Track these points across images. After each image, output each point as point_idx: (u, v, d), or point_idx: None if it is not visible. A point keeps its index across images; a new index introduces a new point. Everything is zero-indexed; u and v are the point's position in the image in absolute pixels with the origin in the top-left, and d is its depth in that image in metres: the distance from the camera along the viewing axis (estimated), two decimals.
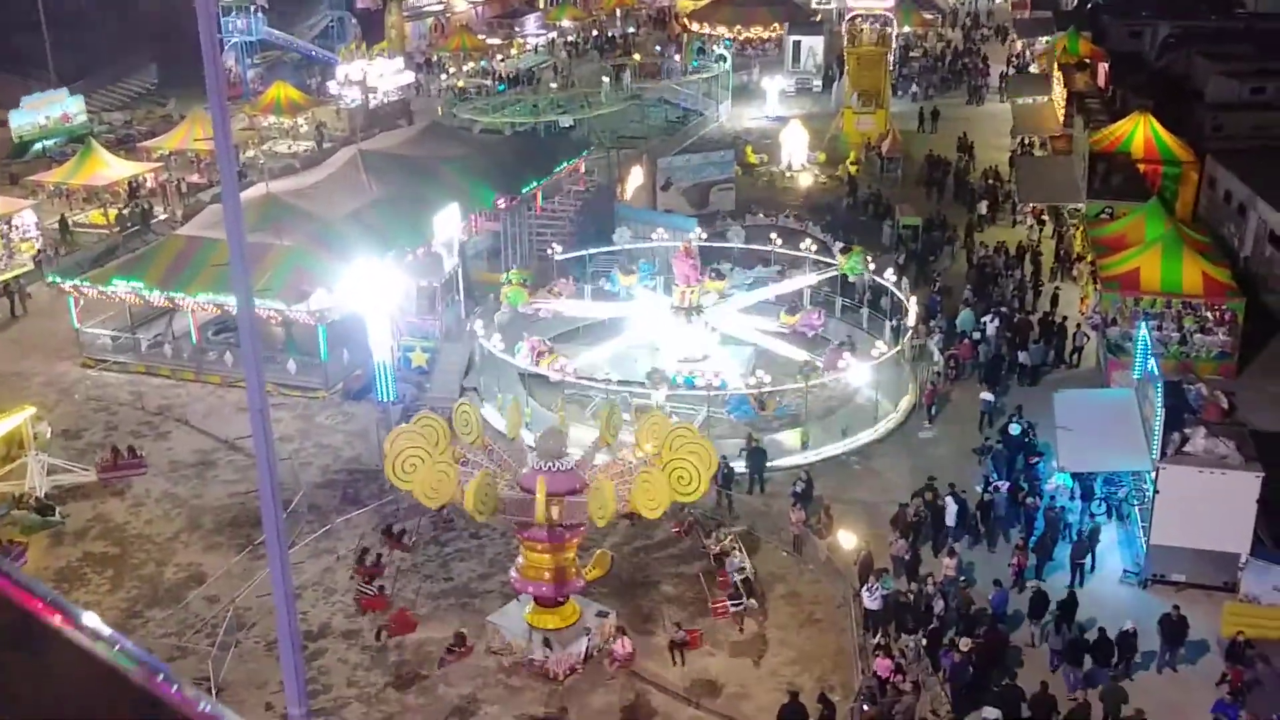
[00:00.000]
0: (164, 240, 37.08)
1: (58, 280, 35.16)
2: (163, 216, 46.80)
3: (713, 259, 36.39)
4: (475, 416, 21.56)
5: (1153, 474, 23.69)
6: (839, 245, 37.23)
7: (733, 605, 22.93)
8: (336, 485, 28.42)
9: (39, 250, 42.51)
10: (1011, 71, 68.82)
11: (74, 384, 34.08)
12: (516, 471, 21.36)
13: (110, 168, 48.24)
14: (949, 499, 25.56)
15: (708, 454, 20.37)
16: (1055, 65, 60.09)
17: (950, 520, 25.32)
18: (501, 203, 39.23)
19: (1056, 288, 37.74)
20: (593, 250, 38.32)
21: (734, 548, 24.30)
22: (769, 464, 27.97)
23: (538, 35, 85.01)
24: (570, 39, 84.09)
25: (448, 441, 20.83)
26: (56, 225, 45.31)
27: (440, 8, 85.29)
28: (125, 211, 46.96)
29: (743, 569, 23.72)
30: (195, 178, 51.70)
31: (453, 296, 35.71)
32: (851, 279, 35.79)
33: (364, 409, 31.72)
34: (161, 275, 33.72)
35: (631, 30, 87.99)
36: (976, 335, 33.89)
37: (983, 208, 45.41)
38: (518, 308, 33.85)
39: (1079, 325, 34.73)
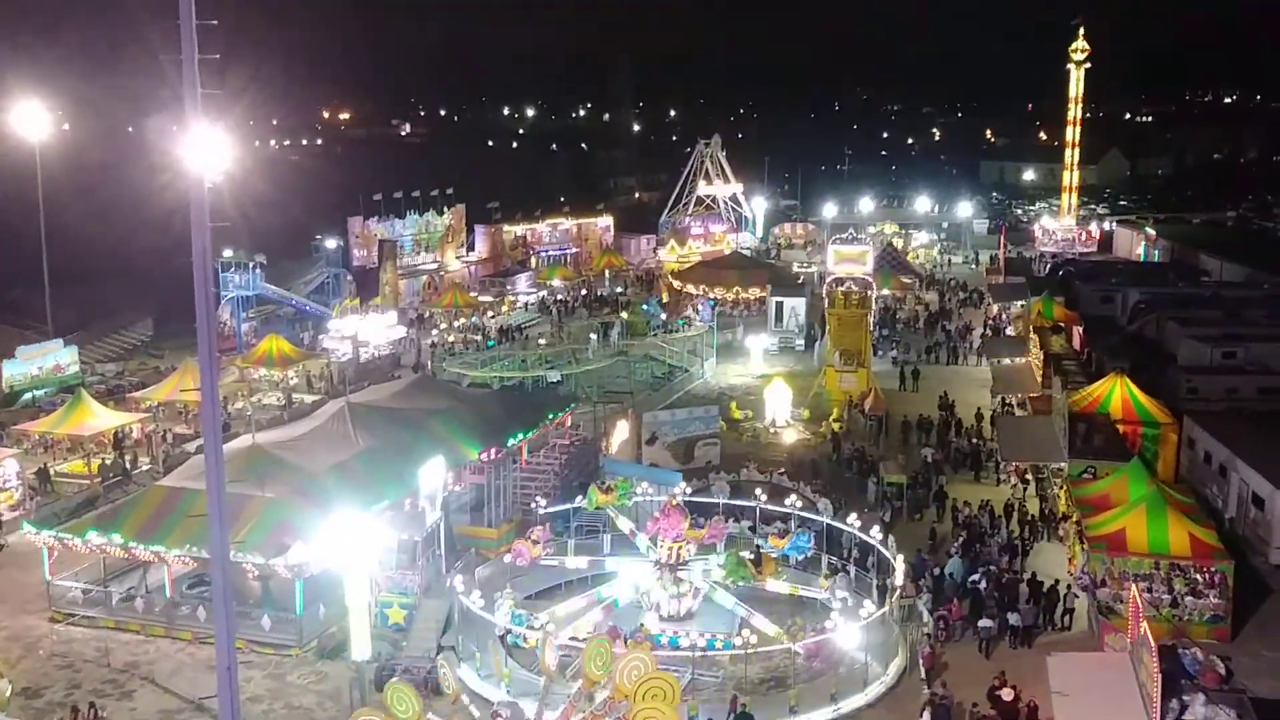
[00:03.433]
0: (144, 491, 36.77)
1: (33, 530, 34.66)
2: (146, 467, 46.66)
3: (700, 512, 36.36)
4: (410, 695, 20.05)
5: None
6: (824, 502, 37.16)
7: None
8: None
9: (17, 500, 42.16)
10: (988, 334, 70.67)
11: (39, 639, 32.99)
12: None
13: (97, 418, 48.39)
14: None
15: (672, 689, 19.25)
16: (1031, 328, 61.80)
17: None
18: (486, 455, 39.27)
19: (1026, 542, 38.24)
20: (576, 504, 38.13)
21: None
22: None
23: (529, 293, 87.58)
24: (560, 297, 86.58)
25: None
26: (35, 475, 45.04)
27: (435, 266, 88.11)
28: (108, 461, 46.84)
29: None
30: (182, 428, 51.89)
31: (434, 551, 35.21)
32: (733, 582, 32.51)
33: (338, 668, 30.70)
34: (139, 527, 33.23)
35: (619, 290, 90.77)
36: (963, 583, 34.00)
37: (927, 454, 46.86)
38: (590, 508, 35.65)
39: (1069, 586, 34.29)
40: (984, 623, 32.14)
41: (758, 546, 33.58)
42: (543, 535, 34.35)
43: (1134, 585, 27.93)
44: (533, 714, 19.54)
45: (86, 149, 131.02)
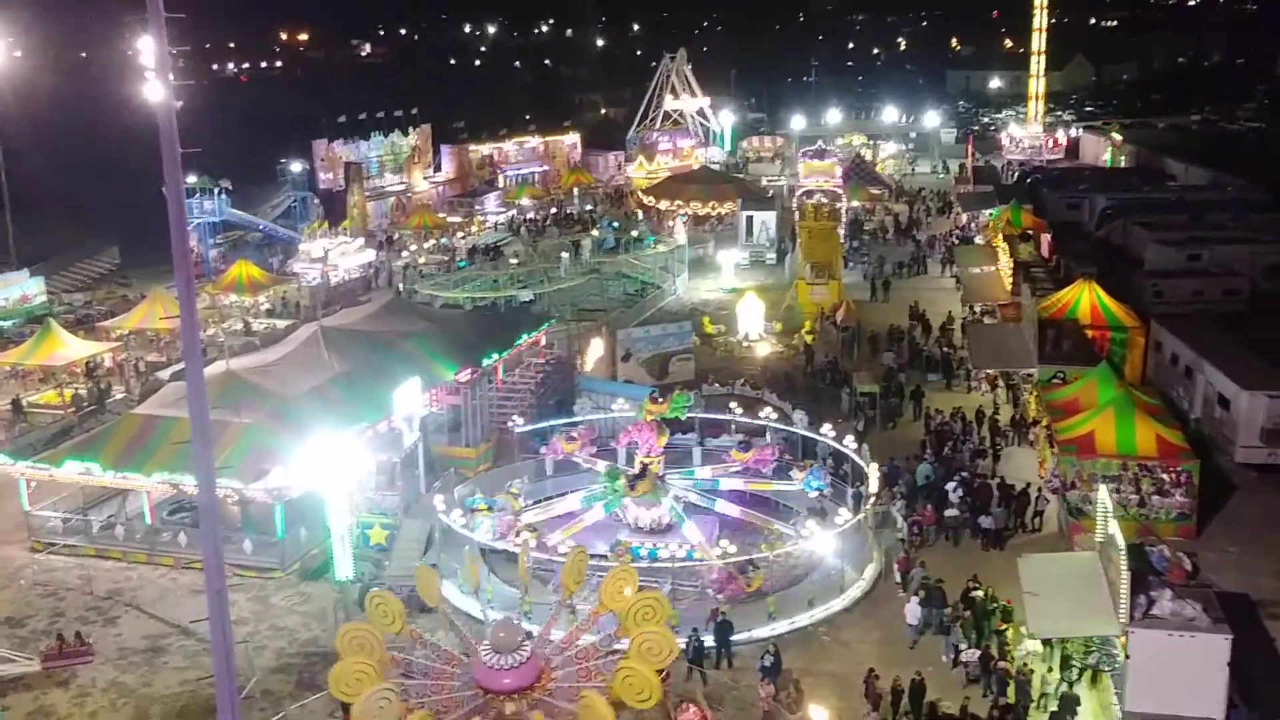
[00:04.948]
0: (120, 419, 36.71)
1: (9, 461, 34.59)
2: (120, 395, 46.47)
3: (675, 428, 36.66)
4: (394, 607, 19.65)
5: (1121, 639, 23.55)
6: (799, 415, 37.54)
7: None
8: (292, 669, 27.55)
9: None
10: (957, 243, 70.84)
11: (20, 569, 33.15)
12: (467, 668, 19.24)
13: (68, 348, 48.07)
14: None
15: (668, 650, 19.26)
16: (1000, 236, 62.05)
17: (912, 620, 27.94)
18: (462, 376, 39.34)
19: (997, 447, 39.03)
20: (554, 422, 38.35)
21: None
22: (735, 637, 27.50)
23: (498, 213, 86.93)
24: (530, 216, 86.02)
25: (383, 650, 18.92)
26: (9, 406, 44.82)
27: (402, 187, 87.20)
28: (82, 391, 46.61)
29: None
30: (154, 356, 51.59)
31: (413, 471, 35.44)
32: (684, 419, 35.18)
33: (321, 589, 31.05)
34: (116, 455, 33.25)
35: (589, 207, 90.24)
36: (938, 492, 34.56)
37: (889, 359, 47.90)
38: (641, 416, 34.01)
39: (1039, 490, 34.95)
40: (950, 512, 33.20)
41: (644, 464, 33.48)
42: (584, 435, 34.95)
43: (1103, 486, 28.49)
44: (537, 631, 19.68)
45: (39, 76, 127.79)
